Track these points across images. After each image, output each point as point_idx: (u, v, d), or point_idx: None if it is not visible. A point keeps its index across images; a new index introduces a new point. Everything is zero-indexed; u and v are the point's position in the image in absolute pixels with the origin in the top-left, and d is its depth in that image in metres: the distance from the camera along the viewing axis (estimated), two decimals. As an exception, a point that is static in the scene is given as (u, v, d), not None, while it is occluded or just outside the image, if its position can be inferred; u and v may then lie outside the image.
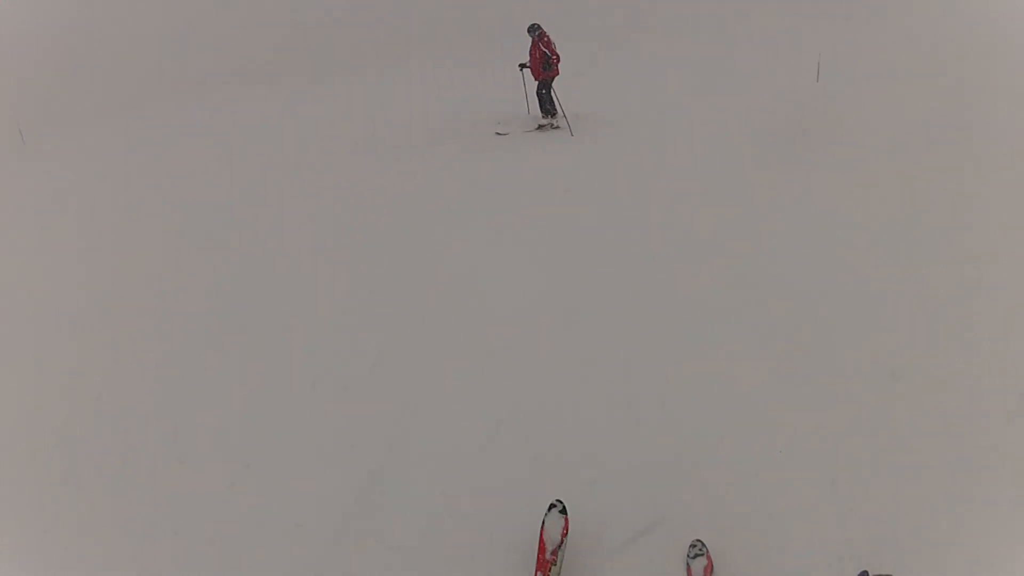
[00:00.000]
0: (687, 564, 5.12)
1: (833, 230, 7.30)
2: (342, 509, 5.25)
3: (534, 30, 11.80)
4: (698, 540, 5.17)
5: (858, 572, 2.85)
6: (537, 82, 12.03)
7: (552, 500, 5.42)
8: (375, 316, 7.13)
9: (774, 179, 8.41)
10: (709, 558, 5.12)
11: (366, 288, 7.60)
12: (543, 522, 5.32)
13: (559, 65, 11.86)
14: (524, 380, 6.32)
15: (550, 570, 5.21)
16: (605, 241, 8.19)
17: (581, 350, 6.52)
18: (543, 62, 11.72)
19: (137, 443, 4.97)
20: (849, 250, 7.00)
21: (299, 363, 6.39)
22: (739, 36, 14.54)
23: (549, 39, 11.74)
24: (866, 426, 5.51)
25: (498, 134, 12.34)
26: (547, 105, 12.19)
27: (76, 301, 6.37)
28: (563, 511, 5.33)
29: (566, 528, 5.31)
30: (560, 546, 5.26)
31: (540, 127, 12.31)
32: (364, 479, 5.46)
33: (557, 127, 12.29)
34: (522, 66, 12.07)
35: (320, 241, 8.46)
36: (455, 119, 12.46)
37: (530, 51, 11.85)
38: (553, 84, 12.03)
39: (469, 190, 9.99)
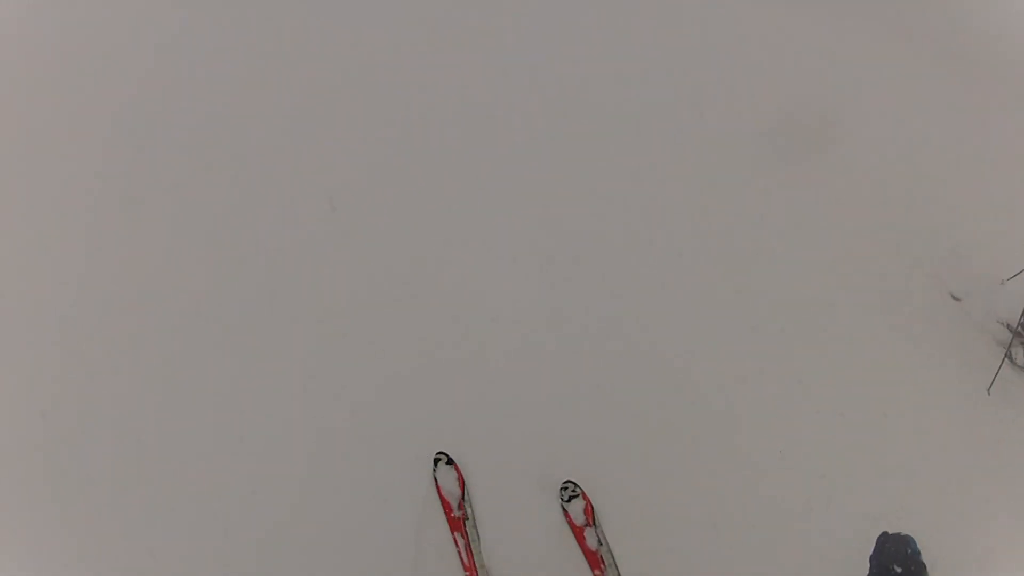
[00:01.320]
0: (562, 508, 4.54)
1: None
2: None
3: None
4: (569, 481, 4.64)
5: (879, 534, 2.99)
6: None
7: (434, 454, 4.46)
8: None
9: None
10: (586, 498, 4.80)
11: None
12: (435, 480, 4.33)
13: None
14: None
15: (465, 524, 4.21)
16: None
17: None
18: None
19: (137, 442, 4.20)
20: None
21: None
22: None
23: None
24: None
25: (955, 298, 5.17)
26: None
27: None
28: (449, 462, 4.43)
29: (460, 478, 4.39)
30: (462, 498, 4.31)
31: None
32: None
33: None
34: None
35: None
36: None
37: None
38: None
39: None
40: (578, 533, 4.41)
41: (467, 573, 4.04)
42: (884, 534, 2.95)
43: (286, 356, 4.74)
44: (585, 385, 4.99)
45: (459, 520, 4.19)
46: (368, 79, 5.83)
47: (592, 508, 4.53)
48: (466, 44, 6.09)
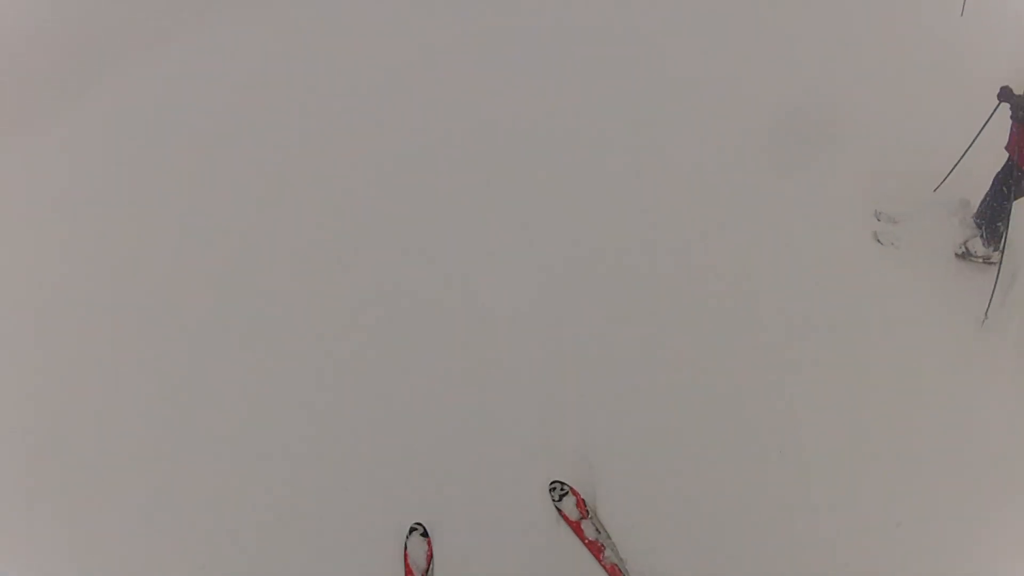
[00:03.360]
0: (556, 508, 4.60)
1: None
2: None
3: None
4: (556, 482, 4.65)
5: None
6: (1007, 165, 5.44)
7: (412, 523, 4.90)
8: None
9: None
10: (576, 493, 4.84)
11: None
12: (405, 546, 4.79)
13: None
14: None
15: (426, 600, 4.52)
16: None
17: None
18: None
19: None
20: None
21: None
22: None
23: None
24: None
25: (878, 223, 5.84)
26: (995, 221, 5.62)
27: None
28: (424, 534, 4.83)
29: (430, 552, 4.76)
30: (427, 572, 4.68)
31: (964, 254, 5.81)
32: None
33: (992, 263, 5.65)
34: (1005, 97, 5.32)
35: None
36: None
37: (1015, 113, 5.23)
38: None
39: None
40: (575, 527, 4.44)
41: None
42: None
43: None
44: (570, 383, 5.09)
45: (421, 595, 4.43)
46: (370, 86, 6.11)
47: (584, 501, 4.49)
48: (467, 49, 6.34)
